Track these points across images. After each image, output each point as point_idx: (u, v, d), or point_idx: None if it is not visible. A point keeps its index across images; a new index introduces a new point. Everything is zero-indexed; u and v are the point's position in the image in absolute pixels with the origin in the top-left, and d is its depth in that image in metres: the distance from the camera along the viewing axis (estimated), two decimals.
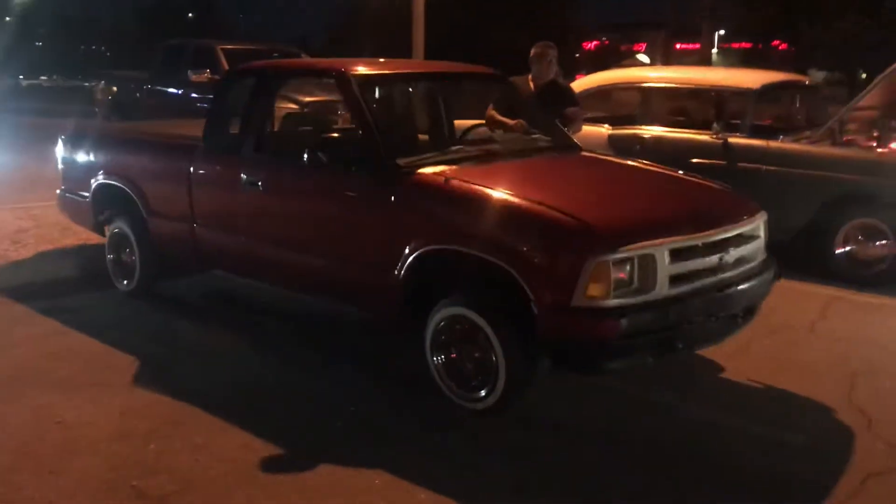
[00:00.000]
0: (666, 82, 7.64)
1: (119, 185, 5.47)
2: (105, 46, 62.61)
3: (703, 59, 26.81)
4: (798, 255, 6.32)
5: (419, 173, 3.98)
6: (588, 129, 6.61)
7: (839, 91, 23.61)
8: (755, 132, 6.74)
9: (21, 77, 43.58)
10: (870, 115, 7.04)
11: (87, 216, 5.84)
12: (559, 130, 5.16)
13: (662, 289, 3.45)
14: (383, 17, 31.26)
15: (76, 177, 5.91)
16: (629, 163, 4.79)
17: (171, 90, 12.64)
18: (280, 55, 12.73)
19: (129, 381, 4.16)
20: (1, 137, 13.43)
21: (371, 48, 30.16)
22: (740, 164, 6.57)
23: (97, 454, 3.42)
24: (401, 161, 4.05)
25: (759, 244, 4.02)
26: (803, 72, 19.95)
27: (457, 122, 5.93)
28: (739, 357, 4.50)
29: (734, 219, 3.87)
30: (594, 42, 52.08)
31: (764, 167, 6.47)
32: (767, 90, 7.02)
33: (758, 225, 4.02)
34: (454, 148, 4.49)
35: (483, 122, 6.08)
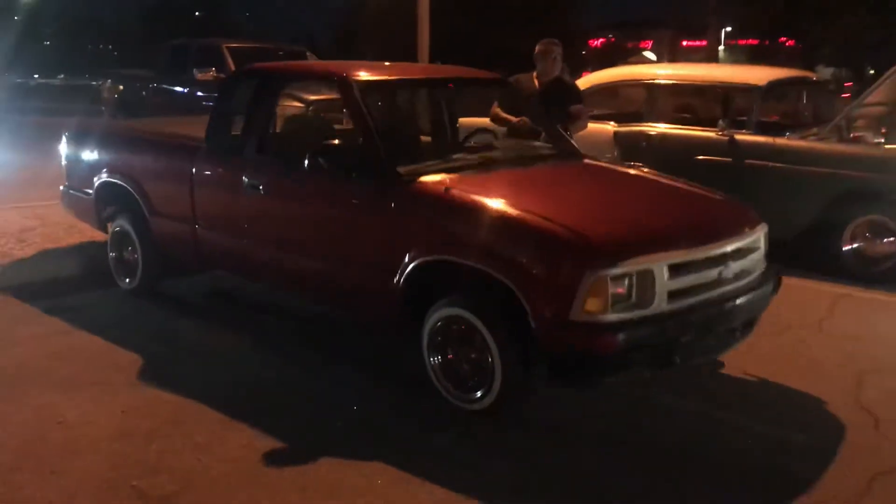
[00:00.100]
0: (672, 79, 7.60)
1: (122, 183, 5.46)
2: (112, 45, 62.79)
3: (710, 56, 26.73)
4: (805, 252, 6.29)
5: (420, 182, 3.96)
6: (593, 126, 6.57)
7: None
8: (761, 129, 6.70)
9: (36, 76, 43.76)
10: (877, 112, 7.00)
11: (91, 213, 5.84)
12: (562, 137, 5.11)
13: (661, 304, 3.43)
14: (388, 17, 31.27)
15: (80, 174, 5.91)
16: (630, 171, 4.73)
17: (177, 89, 12.63)
18: (286, 54, 12.72)
19: (131, 380, 4.15)
20: (7, 136, 13.44)
21: (376, 48, 30.17)
22: (747, 161, 6.53)
23: (98, 453, 3.41)
24: (401, 169, 4.02)
25: (758, 256, 3.97)
26: (810, 68, 19.87)
27: (462, 120, 5.93)
28: (745, 355, 4.45)
29: (734, 232, 3.83)
30: (600, 39, 51.99)
31: (770, 164, 6.44)
32: (774, 87, 6.97)
33: (758, 237, 3.97)
34: (455, 156, 4.45)
35: (487, 118, 6.09)
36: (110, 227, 5.69)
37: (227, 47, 12.10)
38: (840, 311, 5.42)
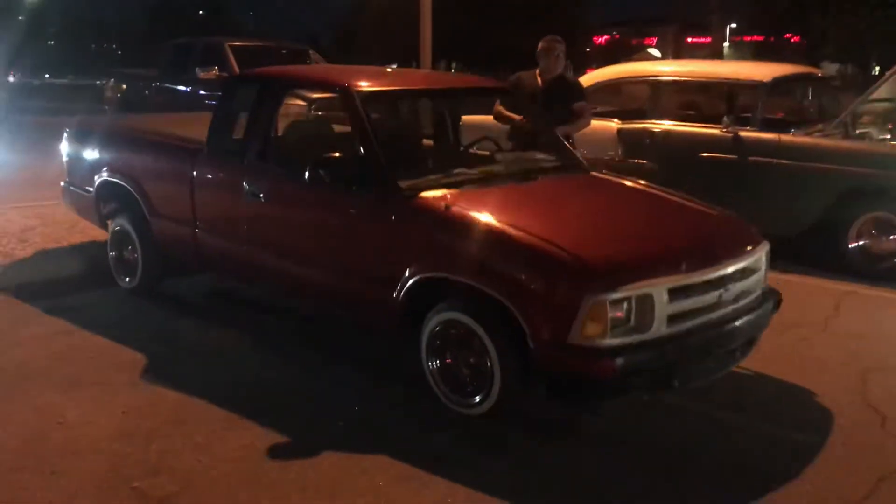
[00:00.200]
0: (676, 76, 7.55)
1: (122, 183, 5.44)
2: (115, 45, 62.90)
3: (715, 53, 26.68)
4: (810, 249, 6.25)
5: (421, 197, 3.94)
6: (597, 123, 6.53)
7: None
8: (766, 126, 6.66)
9: (47, 76, 43.86)
10: (883, 108, 6.96)
11: (91, 210, 5.83)
12: (564, 147, 5.06)
13: (660, 328, 3.40)
14: (389, 17, 31.28)
15: (80, 171, 5.90)
16: (632, 186, 4.67)
17: (180, 88, 12.62)
18: (288, 53, 12.70)
19: (132, 380, 4.13)
20: (10, 136, 13.45)
21: (377, 48, 30.14)
22: (751, 159, 6.49)
23: (99, 454, 3.39)
24: (403, 183, 4.00)
25: (759, 277, 3.93)
26: (816, 65, 19.81)
27: (465, 118, 5.90)
28: (751, 354, 4.42)
29: (736, 253, 3.79)
30: (604, 36, 51.90)
31: (775, 161, 6.40)
32: (779, 83, 6.93)
33: (759, 257, 3.93)
34: (456, 170, 4.41)
35: (490, 116, 6.06)
36: (110, 226, 5.68)
37: (230, 46, 12.08)
38: (845, 309, 5.38)
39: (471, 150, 5.19)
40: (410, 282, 3.78)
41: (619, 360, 3.28)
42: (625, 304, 3.33)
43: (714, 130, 6.73)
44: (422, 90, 5.37)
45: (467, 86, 5.48)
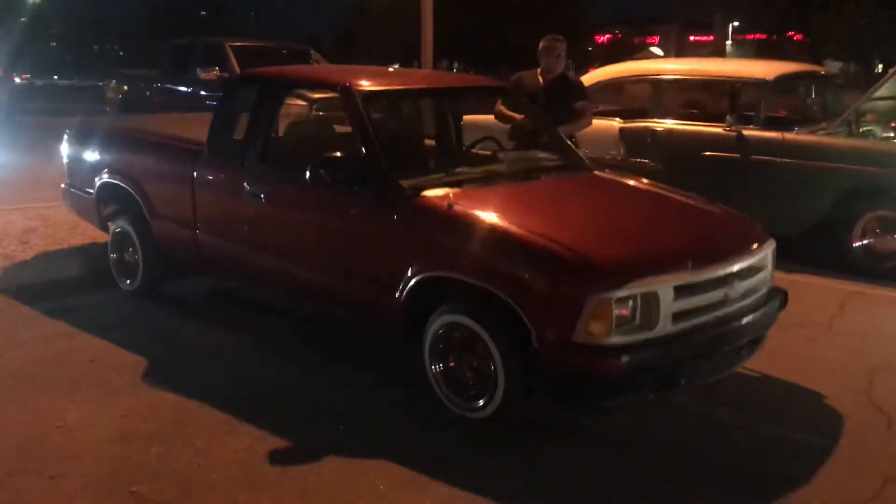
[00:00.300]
0: (678, 74, 7.51)
1: (123, 184, 5.42)
2: (117, 45, 62.95)
3: (717, 51, 26.62)
4: (814, 248, 6.22)
5: (423, 196, 3.91)
6: (599, 122, 6.50)
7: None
8: (769, 124, 6.63)
9: (55, 77, 43.89)
10: (886, 106, 6.92)
11: (92, 212, 5.81)
12: (566, 146, 5.03)
13: (665, 326, 3.37)
14: (389, 17, 31.29)
15: (81, 173, 5.88)
16: (636, 185, 4.65)
17: (181, 88, 12.61)
18: (289, 53, 12.67)
19: (132, 383, 4.11)
20: (12, 137, 13.45)
21: (379, 48, 30.11)
22: (754, 157, 6.46)
23: (98, 458, 3.37)
24: (405, 182, 3.97)
25: (765, 275, 3.89)
26: (818, 63, 19.74)
27: (466, 118, 5.86)
28: (757, 352, 4.40)
29: (741, 251, 3.75)
30: (606, 35, 51.84)
31: (779, 159, 6.36)
32: (782, 81, 6.90)
33: (765, 255, 3.89)
34: (458, 169, 4.38)
35: (491, 116, 6.03)
36: (111, 228, 5.66)
37: (231, 46, 12.06)
38: (850, 309, 5.34)
39: (473, 150, 5.16)
40: (412, 282, 3.74)
41: (625, 359, 3.25)
42: (629, 302, 3.29)
43: (717, 129, 6.70)
44: (423, 89, 5.34)
45: (468, 85, 5.45)
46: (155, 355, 4.46)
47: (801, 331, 4.86)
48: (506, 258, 3.52)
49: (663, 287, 3.35)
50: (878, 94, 6.78)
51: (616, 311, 3.26)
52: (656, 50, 44.47)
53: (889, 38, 23.89)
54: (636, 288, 3.29)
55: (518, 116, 5.72)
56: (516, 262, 3.48)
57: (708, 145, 6.68)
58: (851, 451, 3.46)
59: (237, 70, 10.82)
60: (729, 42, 36.41)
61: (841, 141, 6.41)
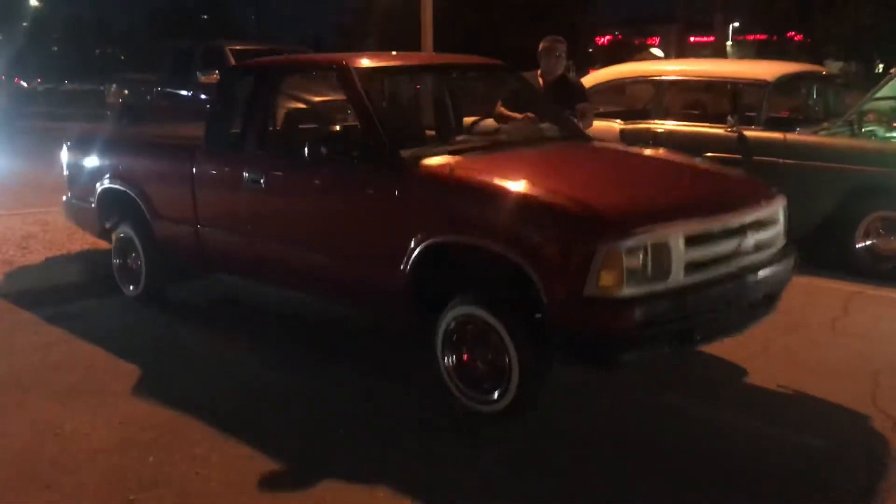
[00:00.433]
0: (679, 75, 7.48)
1: (123, 188, 5.40)
2: (119, 49, 62.96)
3: (718, 52, 26.55)
4: (817, 249, 6.17)
5: (423, 164, 3.87)
6: (599, 124, 6.47)
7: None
8: (771, 125, 6.59)
9: (66, 81, 43.94)
10: (888, 106, 6.88)
11: (93, 222, 5.79)
12: (569, 121, 5.03)
13: (678, 277, 3.31)
14: (393, 18, 31.26)
15: (81, 183, 5.86)
16: (641, 151, 4.65)
17: (182, 92, 12.61)
18: (289, 54, 12.67)
19: (131, 390, 4.08)
20: (12, 142, 13.45)
21: (379, 49, 30.04)
22: (756, 158, 6.41)
23: (95, 467, 3.33)
24: (404, 153, 3.93)
25: (778, 230, 3.86)
26: (819, 63, 19.70)
27: (466, 120, 5.84)
28: (757, 357, 4.37)
29: (752, 203, 3.72)
30: (607, 37, 51.79)
31: (781, 160, 6.32)
32: (783, 82, 6.86)
33: (777, 209, 3.87)
34: (459, 138, 4.37)
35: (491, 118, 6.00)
36: (114, 235, 5.64)
37: (231, 49, 12.06)
38: (853, 310, 5.30)
39: (473, 128, 5.14)
40: (416, 252, 3.68)
41: (638, 311, 3.19)
42: (640, 252, 3.23)
43: (718, 130, 6.66)
44: (418, 66, 5.32)
45: (464, 63, 5.42)
46: (154, 362, 4.43)
47: (804, 332, 4.82)
48: (509, 214, 3.45)
49: (674, 235, 3.30)
50: (880, 94, 6.74)
51: (627, 262, 3.19)
52: (656, 51, 44.41)
53: (890, 38, 23.84)
54: (646, 237, 3.23)
55: (518, 116, 5.69)
56: (521, 218, 3.42)
57: (709, 146, 6.63)
58: (857, 455, 3.42)
59: None
60: (729, 43, 36.34)
61: (843, 141, 6.37)
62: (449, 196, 3.72)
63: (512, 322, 3.47)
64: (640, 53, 38.76)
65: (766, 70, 6.92)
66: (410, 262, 3.70)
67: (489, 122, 5.12)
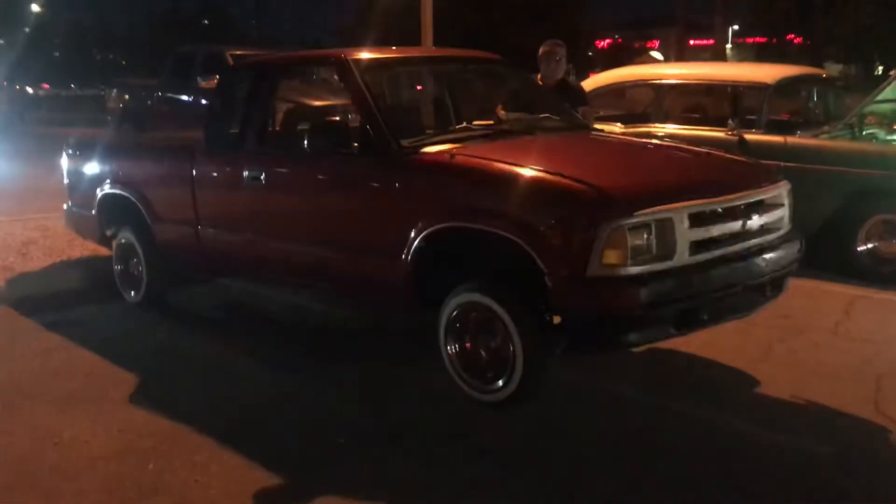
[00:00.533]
0: (679, 79, 7.48)
1: (123, 193, 5.40)
2: (121, 55, 63.05)
3: (718, 55, 26.56)
4: (819, 253, 6.15)
5: (423, 152, 3.86)
6: (600, 128, 6.45)
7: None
8: (772, 128, 6.58)
9: (72, 85, 44.06)
10: (889, 109, 6.86)
11: (94, 229, 5.78)
12: (570, 113, 5.03)
13: (683, 256, 3.29)
14: (393, 20, 31.28)
15: (81, 190, 5.86)
16: (644, 139, 4.66)
17: (182, 97, 12.61)
18: None
19: (130, 397, 4.06)
20: (15, 148, 13.46)
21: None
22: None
23: (94, 475, 3.31)
24: (404, 142, 3.92)
25: (783, 213, 3.86)
26: (818, 65, 19.70)
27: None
28: (760, 361, 4.35)
29: (756, 184, 3.72)
30: (607, 40, 51.82)
31: (782, 164, 6.28)
32: (784, 85, 6.85)
33: (781, 192, 3.86)
34: (459, 126, 4.37)
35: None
36: (115, 242, 5.63)
37: (231, 54, 12.04)
38: (855, 313, 5.28)
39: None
40: (418, 241, 3.67)
41: (643, 290, 3.17)
42: (644, 231, 3.21)
43: (719, 133, 6.65)
44: (416, 58, 5.32)
45: (463, 55, 5.43)
46: (154, 368, 4.42)
47: (807, 336, 4.80)
48: (512, 197, 3.42)
49: (678, 213, 3.28)
50: (881, 97, 6.72)
51: (631, 240, 3.17)
52: (656, 54, 44.39)
53: (890, 38, 23.84)
54: (650, 215, 3.22)
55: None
56: (523, 199, 3.40)
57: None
58: (861, 461, 3.39)
59: None
60: (729, 45, 36.36)
61: (844, 145, 6.35)
62: (450, 183, 3.71)
63: (516, 309, 3.44)
64: (640, 56, 38.74)
65: (767, 73, 6.91)
66: (412, 251, 3.69)
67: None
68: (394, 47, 5.25)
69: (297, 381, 4.25)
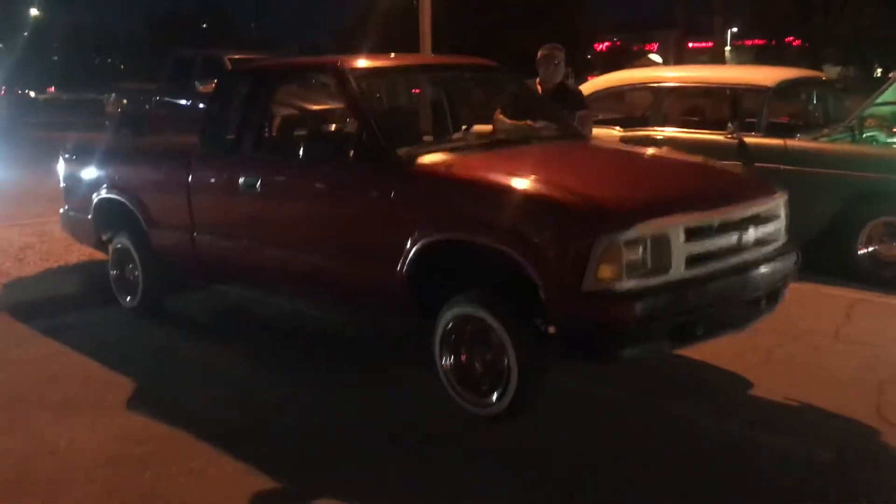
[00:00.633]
0: (678, 82, 7.46)
1: (119, 199, 5.37)
2: (120, 58, 63.06)
3: (717, 57, 26.57)
4: (819, 256, 6.13)
5: (419, 163, 3.84)
6: (599, 131, 6.44)
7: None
8: (771, 131, 6.56)
9: (76, 89, 44.07)
10: (889, 111, 6.85)
11: (90, 234, 5.76)
12: (567, 121, 5.00)
13: (678, 270, 3.27)
14: (392, 23, 31.31)
15: (77, 194, 5.83)
16: (640, 149, 4.63)
17: (181, 101, 12.60)
18: None
19: (127, 403, 4.03)
20: (12, 152, 13.44)
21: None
22: (757, 164, 6.38)
23: (91, 483, 3.29)
24: (400, 151, 3.90)
25: (779, 225, 3.83)
26: (817, 68, 19.71)
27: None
28: (761, 366, 4.32)
29: (752, 196, 3.69)
30: (606, 43, 51.86)
31: (782, 167, 6.28)
32: (784, 87, 6.83)
33: (778, 204, 3.83)
34: (456, 136, 4.35)
35: (489, 126, 5.97)
36: (111, 247, 5.60)
37: (229, 58, 12.06)
38: (856, 317, 5.26)
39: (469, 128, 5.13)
40: (413, 251, 3.64)
41: (638, 305, 3.15)
42: (640, 245, 3.19)
43: (718, 137, 6.63)
44: (413, 66, 5.30)
45: (460, 63, 5.41)
46: (150, 374, 4.40)
47: (808, 340, 4.77)
48: (507, 209, 3.40)
49: (673, 228, 3.26)
50: (880, 99, 6.71)
51: (626, 254, 3.15)
52: (655, 57, 44.45)
53: (889, 41, 23.86)
54: (645, 229, 3.19)
55: (518, 124, 5.65)
56: (518, 212, 3.38)
57: (709, 153, 6.56)
58: (864, 467, 3.37)
59: None
60: (728, 48, 36.41)
61: (844, 147, 6.34)
62: (445, 193, 3.69)
63: (511, 322, 3.42)
64: (639, 59, 38.81)
65: (766, 76, 6.89)
66: (408, 261, 3.66)
67: (482, 127, 5.08)
68: (392, 54, 5.22)
69: (294, 386, 4.23)
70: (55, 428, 3.75)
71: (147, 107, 13.50)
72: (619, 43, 53.15)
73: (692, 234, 3.33)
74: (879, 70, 28.67)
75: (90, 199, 5.59)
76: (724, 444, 3.58)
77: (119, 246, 5.49)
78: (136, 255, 5.34)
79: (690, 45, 45.36)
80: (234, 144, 4.69)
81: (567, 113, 5.79)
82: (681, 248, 3.27)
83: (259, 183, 4.40)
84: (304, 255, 4.26)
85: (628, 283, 3.17)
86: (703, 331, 3.40)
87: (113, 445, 3.59)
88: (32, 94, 36.25)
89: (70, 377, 4.36)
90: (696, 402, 3.96)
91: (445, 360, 3.70)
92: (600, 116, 7.21)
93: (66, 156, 5.98)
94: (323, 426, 3.76)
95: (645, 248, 3.20)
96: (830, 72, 25.32)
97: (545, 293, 3.22)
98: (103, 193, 5.50)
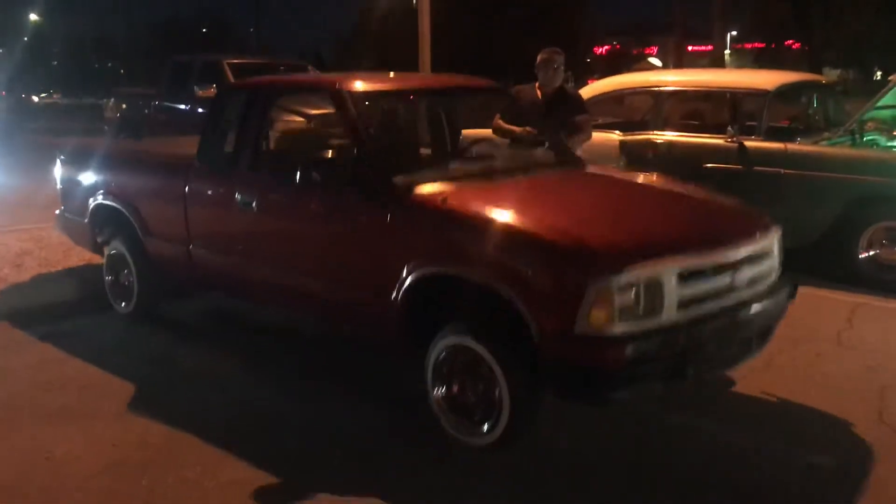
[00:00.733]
0: (678, 86, 7.43)
1: (115, 205, 5.35)
2: (119, 63, 63.13)
3: (716, 61, 26.58)
4: (820, 260, 6.11)
5: (416, 193, 3.81)
6: (599, 135, 6.42)
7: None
8: (771, 134, 6.54)
9: (80, 93, 44.04)
10: (889, 115, 6.84)
11: (86, 237, 5.74)
12: (563, 146, 4.97)
13: (670, 313, 3.25)
14: (393, 30, 31.37)
15: (74, 198, 5.81)
16: (634, 177, 4.59)
17: (180, 106, 12.56)
18: (287, 69, 12.64)
19: (123, 410, 4.01)
20: (11, 157, 13.41)
21: (378, 62, 30.13)
22: (757, 168, 6.37)
23: (87, 492, 3.26)
24: (397, 180, 3.88)
25: (772, 263, 3.79)
26: (817, 71, 19.71)
27: (465, 132, 5.79)
28: (762, 371, 4.30)
29: (746, 236, 3.65)
30: (605, 47, 51.93)
31: (782, 171, 6.27)
32: (783, 91, 6.81)
33: (771, 242, 3.80)
34: (452, 166, 4.31)
35: (489, 130, 5.95)
36: (106, 251, 5.58)
37: (228, 63, 12.03)
38: (858, 322, 5.24)
39: (467, 151, 5.07)
40: (407, 282, 3.62)
41: (629, 349, 3.12)
42: (632, 289, 3.16)
43: (718, 141, 6.61)
44: (415, 89, 5.27)
45: (459, 85, 5.38)
46: (147, 381, 4.36)
47: (810, 345, 4.75)
48: (500, 248, 3.38)
49: (666, 272, 3.23)
50: (881, 102, 6.69)
51: (618, 299, 3.12)
52: (655, 60, 44.52)
53: (889, 44, 23.88)
54: (638, 274, 3.17)
55: (517, 129, 5.64)
56: (511, 252, 3.35)
57: (709, 157, 6.59)
58: (865, 474, 3.35)
59: None
60: (727, 51, 36.46)
61: (844, 151, 6.32)
62: (441, 226, 3.66)
63: (503, 354, 3.40)
64: (639, 63, 38.85)
65: (766, 79, 6.88)
66: (402, 291, 3.65)
67: (483, 146, 5.02)
68: (391, 73, 5.20)
69: (290, 394, 4.20)
70: (51, 435, 3.73)
71: (146, 111, 13.45)
72: (618, 46, 53.23)
73: (685, 277, 3.32)
74: (879, 73, 28.70)
75: (87, 204, 5.57)
76: (725, 449, 3.56)
77: (114, 252, 5.47)
78: (131, 261, 5.31)
79: (690, 48, 45.43)
80: (232, 160, 4.66)
81: (567, 117, 5.80)
82: (673, 292, 3.26)
83: (255, 203, 4.39)
84: (299, 278, 4.25)
85: (620, 327, 3.16)
86: (694, 371, 3.38)
87: (110, 452, 3.56)
88: (35, 98, 36.24)
89: (67, 384, 4.33)
90: (696, 407, 3.93)
91: (437, 390, 3.67)
92: (600, 120, 7.18)
93: (63, 158, 5.97)
94: (321, 430, 3.73)
95: (637, 292, 3.19)
96: (830, 75, 25.33)
97: (538, 334, 3.22)
98: (100, 199, 5.48)
